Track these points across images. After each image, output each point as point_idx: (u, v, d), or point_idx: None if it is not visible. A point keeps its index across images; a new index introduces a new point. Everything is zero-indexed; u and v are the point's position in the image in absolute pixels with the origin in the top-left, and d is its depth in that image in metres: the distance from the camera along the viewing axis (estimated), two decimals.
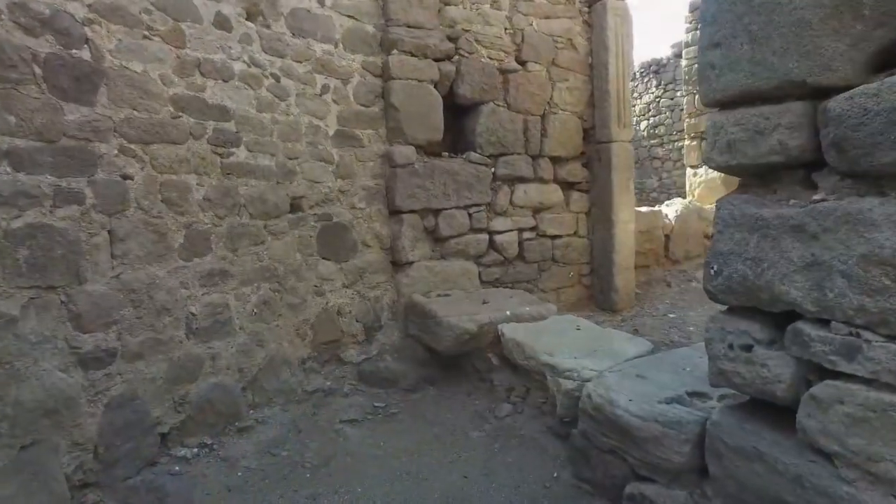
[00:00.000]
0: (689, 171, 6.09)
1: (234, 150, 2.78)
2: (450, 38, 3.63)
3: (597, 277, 4.32)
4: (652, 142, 8.85)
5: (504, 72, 3.88)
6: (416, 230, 3.60)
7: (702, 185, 5.85)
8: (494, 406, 2.93)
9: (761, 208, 1.57)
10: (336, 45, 3.33)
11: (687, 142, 6.12)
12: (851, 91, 1.32)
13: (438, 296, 3.56)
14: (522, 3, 3.86)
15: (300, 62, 3.15)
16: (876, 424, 1.31)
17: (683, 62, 6.03)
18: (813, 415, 1.45)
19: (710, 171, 5.76)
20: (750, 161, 1.59)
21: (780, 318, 1.57)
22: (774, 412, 1.64)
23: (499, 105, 3.88)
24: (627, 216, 4.19)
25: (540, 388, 2.79)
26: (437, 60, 3.61)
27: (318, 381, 3.17)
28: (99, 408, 2.23)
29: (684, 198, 6.51)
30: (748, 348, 1.63)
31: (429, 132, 3.59)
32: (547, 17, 3.99)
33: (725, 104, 1.66)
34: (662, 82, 8.66)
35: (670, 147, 8.54)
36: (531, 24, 3.93)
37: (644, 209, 4.76)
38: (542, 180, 4.12)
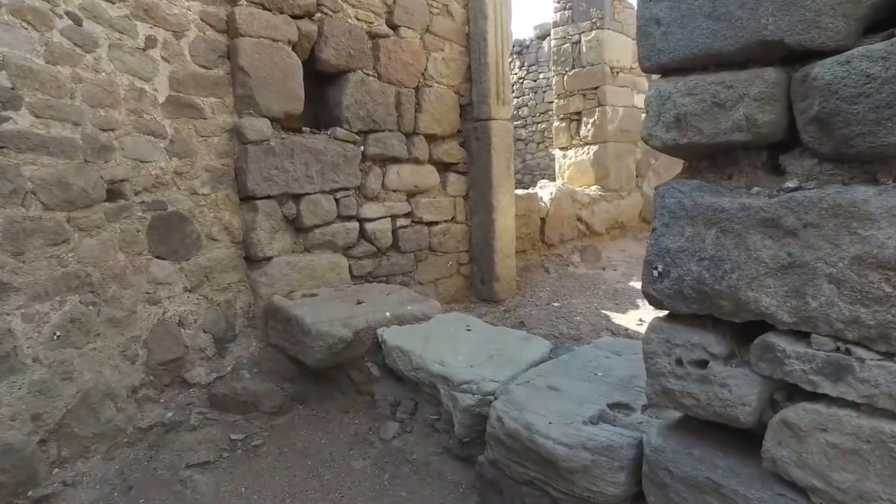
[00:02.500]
0: (558, 152, 6.08)
1: (8, 113, 2.00)
2: None
3: (476, 266, 4.04)
4: (515, 123, 8.88)
5: (374, 36, 3.39)
6: (275, 219, 3.01)
7: (571, 167, 5.86)
8: (378, 425, 2.51)
9: (719, 197, 1.30)
10: None
11: (556, 123, 6.10)
12: (847, 53, 1.07)
13: (304, 296, 3.02)
14: None
15: (112, 2, 2.40)
16: (870, 458, 1.09)
17: (552, 42, 5.96)
18: (785, 443, 1.22)
19: (580, 152, 5.79)
20: (707, 140, 1.31)
21: (741, 329, 1.33)
22: (725, 433, 1.42)
23: (368, 74, 3.39)
24: (508, 200, 3.95)
25: (431, 402, 2.41)
26: (295, 17, 3.02)
27: (155, 412, 2.50)
28: None
29: (550, 179, 6.53)
30: (702, 364, 1.37)
31: (287, 102, 3.00)
32: None
33: (673, 69, 1.37)
34: (525, 63, 8.68)
35: (534, 129, 8.61)
36: None
37: (521, 192, 4.58)
38: (416, 161, 3.72)
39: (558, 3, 5.81)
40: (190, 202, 2.75)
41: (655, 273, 1.44)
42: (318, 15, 3.11)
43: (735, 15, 1.21)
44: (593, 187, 5.59)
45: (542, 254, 4.72)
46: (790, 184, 1.22)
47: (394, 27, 3.48)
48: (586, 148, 5.75)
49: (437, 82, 3.74)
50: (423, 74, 3.66)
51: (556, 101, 6.08)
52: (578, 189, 5.41)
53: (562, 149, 6.04)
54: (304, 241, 3.15)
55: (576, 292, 4.02)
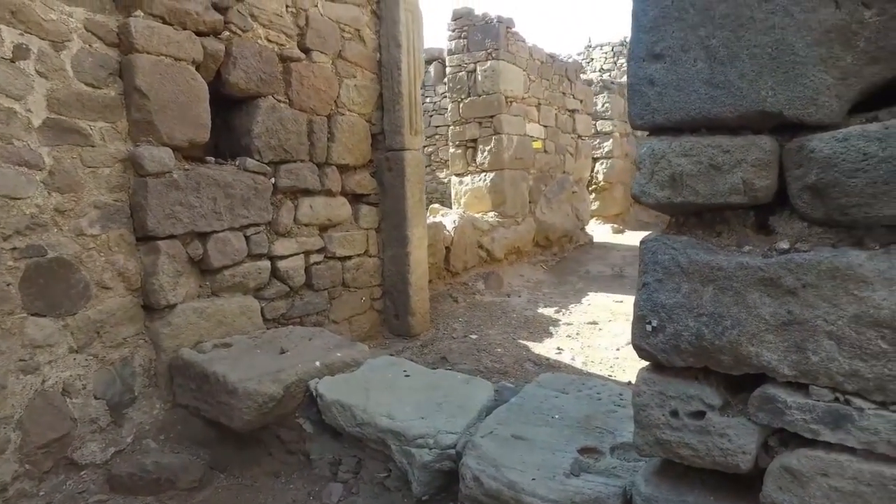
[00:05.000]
0: (454, 178, 6.14)
1: None
2: (217, 8, 2.76)
3: (390, 301, 3.91)
4: None
5: (285, 59, 3.16)
6: (179, 261, 2.66)
7: (468, 193, 5.94)
8: (319, 489, 2.29)
9: (713, 255, 1.35)
10: None
11: (452, 149, 6.15)
12: (845, 131, 1.16)
13: (215, 346, 2.70)
14: None
15: None
16: (871, 499, 1.18)
17: (448, 69, 6.02)
18: (786, 488, 1.28)
19: (476, 179, 5.89)
20: (703, 200, 1.35)
21: (732, 380, 1.39)
22: (713, 477, 1.47)
23: (280, 100, 3.15)
24: (422, 232, 3.88)
25: (377, 458, 2.25)
26: (200, 35, 2.72)
27: None
28: None
29: (442, 204, 6.57)
30: (699, 415, 1.41)
31: (191, 130, 2.68)
32: (333, 1, 3.38)
33: (668, 129, 1.41)
34: None
35: None
36: (316, 6, 3.28)
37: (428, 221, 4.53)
38: (329, 193, 3.52)
39: (453, 31, 5.90)
40: (75, 245, 2.33)
41: (649, 328, 1.45)
42: (226, 33, 2.83)
43: (735, 84, 1.27)
44: (491, 214, 5.72)
45: (448, 282, 4.70)
46: (783, 245, 1.30)
47: (306, 51, 3.27)
48: (483, 175, 5.88)
49: (349, 110, 3.58)
50: (335, 102, 3.48)
51: (451, 127, 6.15)
52: (478, 216, 5.50)
53: (458, 175, 6.11)
54: (210, 283, 2.82)
55: (489, 322, 4.04)
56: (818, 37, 1.18)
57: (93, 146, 2.39)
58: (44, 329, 2.20)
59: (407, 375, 2.62)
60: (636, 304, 1.48)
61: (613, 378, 3.10)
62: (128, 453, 2.32)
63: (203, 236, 2.75)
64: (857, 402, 1.20)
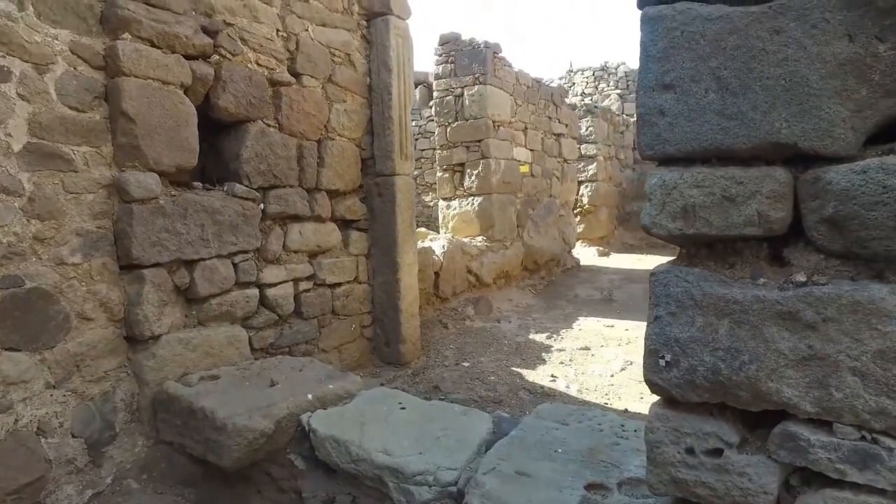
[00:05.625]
0: (441, 202, 6.12)
1: None
2: (207, 31, 2.72)
3: (380, 328, 3.83)
4: None
5: (275, 84, 3.12)
6: (164, 290, 2.56)
7: (456, 217, 5.91)
8: None
9: (728, 288, 1.32)
10: (22, 7, 2.15)
11: (439, 173, 6.14)
12: (863, 164, 1.15)
13: (202, 379, 2.59)
14: (298, 3, 3.15)
15: None
16: None
17: (435, 93, 6.05)
18: None
19: (464, 203, 5.87)
20: (717, 232, 1.32)
21: (749, 416, 1.35)
22: None
23: (269, 125, 3.09)
24: (412, 258, 3.82)
25: (373, 496, 2.16)
26: (189, 58, 2.66)
27: None
28: None
29: (429, 229, 6.53)
30: (716, 453, 1.36)
31: (179, 155, 2.61)
32: (324, 25, 3.36)
33: (679, 160, 1.38)
34: None
35: None
36: (307, 30, 3.25)
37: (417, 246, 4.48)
38: (319, 219, 3.45)
39: (440, 56, 5.93)
40: (55, 275, 2.23)
41: (662, 363, 1.41)
42: (216, 57, 2.78)
43: (748, 115, 1.25)
44: (479, 238, 5.69)
45: (437, 308, 4.63)
46: (800, 277, 1.27)
47: (296, 75, 3.24)
48: (471, 199, 5.87)
49: (339, 135, 3.54)
50: (325, 126, 3.44)
51: (439, 151, 6.15)
52: (467, 240, 5.48)
53: (445, 199, 6.09)
54: (197, 313, 2.72)
55: (480, 349, 3.97)
56: (832, 69, 1.16)
57: (76, 171, 2.31)
58: (18, 364, 2.08)
59: (402, 408, 2.54)
60: (647, 338, 1.44)
61: (609, 406, 3.05)
62: (107, 495, 2.19)
63: (190, 264, 2.67)
64: (886, 441, 1.16)
